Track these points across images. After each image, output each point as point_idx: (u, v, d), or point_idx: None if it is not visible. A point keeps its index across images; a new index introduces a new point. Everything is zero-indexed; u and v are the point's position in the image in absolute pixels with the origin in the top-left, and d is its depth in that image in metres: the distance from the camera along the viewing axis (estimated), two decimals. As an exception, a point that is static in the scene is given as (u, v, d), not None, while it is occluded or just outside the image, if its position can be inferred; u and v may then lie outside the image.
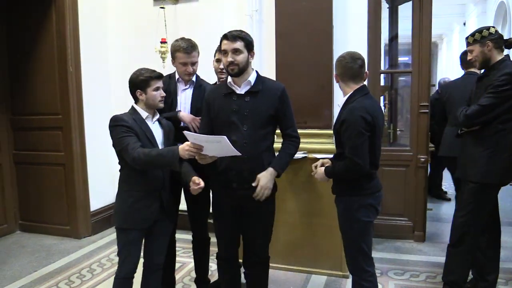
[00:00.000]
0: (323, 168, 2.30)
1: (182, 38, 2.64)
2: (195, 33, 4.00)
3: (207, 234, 2.87)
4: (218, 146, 1.99)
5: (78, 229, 4.07)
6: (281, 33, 3.27)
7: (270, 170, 2.20)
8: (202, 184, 2.17)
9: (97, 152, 4.16)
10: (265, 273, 2.50)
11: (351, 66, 2.19)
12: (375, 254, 3.50)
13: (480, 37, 2.56)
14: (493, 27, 2.59)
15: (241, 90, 2.22)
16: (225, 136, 1.96)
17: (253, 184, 2.17)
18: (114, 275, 2.30)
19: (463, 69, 4.06)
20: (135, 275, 2.32)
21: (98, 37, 4.26)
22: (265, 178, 2.18)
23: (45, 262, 3.51)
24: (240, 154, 2.06)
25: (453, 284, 2.71)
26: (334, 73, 2.30)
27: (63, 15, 3.88)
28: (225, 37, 2.18)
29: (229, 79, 2.25)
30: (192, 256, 2.97)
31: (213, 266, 3.36)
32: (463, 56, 3.90)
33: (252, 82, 2.22)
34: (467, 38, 2.63)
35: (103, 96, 4.28)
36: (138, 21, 4.21)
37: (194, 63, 2.62)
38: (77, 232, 4.07)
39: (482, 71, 2.71)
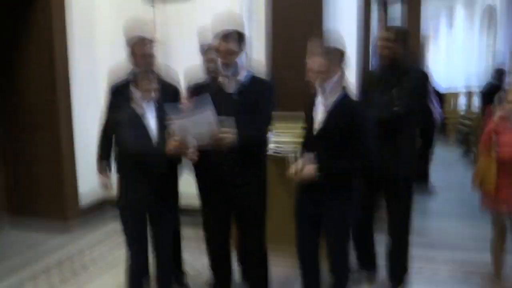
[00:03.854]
0: None
1: None
2: (185, 33, 4.02)
3: (179, 227, 2.91)
4: (201, 125, 1.95)
5: (69, 223, 4.05)
6: (273, 31, 3.30)
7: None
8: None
9: (87, 144, 4.09)
10: (262, 271, 2.44)
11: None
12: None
13: (402, 37, 2.54)
14: None
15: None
16: (210, 106, 1.92)
17: None
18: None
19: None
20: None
21: (86, 35, 4.21)
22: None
23: (35, 257, 3.48)
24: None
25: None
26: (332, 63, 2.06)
27: (50, 14, 3.83)
28: None
29: None
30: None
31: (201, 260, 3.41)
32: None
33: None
34: (390, 32, 2.57)
35: (92, 93, 4.24)
36: (127, 19, 4.17)
37: None
38: (68, 226, 4.05)
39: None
